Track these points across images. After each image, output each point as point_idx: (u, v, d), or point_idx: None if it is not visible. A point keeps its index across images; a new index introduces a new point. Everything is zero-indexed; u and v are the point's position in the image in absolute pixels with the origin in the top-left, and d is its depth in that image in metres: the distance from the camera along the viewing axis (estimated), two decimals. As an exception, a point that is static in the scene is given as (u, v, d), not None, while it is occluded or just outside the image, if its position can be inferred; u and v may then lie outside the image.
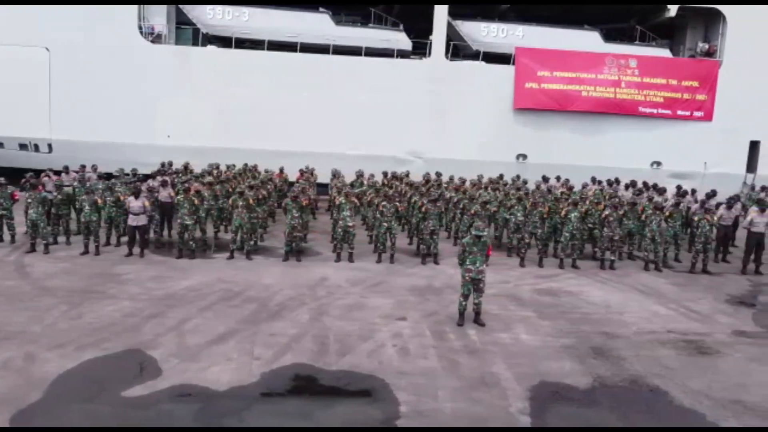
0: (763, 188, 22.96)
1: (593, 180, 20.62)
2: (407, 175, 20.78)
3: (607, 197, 16.24)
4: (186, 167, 19.70)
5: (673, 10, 24.88)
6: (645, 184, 20.07)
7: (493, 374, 7.50)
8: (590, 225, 14.54)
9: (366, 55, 24.10)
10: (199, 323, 8.85)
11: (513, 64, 24.45)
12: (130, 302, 9.65)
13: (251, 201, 13.11)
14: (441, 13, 23.81)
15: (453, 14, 24.57)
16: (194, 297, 10.12)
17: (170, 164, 20.21)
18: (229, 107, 22.98)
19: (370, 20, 25.66)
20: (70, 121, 22.59)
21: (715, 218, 13.95)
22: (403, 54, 24.89)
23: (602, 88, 24.76)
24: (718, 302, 11.31)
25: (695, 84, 24.92)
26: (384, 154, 23.62)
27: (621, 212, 14.58)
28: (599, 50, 25.04)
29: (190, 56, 23.59)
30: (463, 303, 9.30)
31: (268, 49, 23.81)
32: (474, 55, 25.01)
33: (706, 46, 25.51)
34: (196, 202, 12.91)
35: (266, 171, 19.30)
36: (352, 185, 17.34)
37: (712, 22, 25.81)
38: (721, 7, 24.44)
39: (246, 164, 20.24)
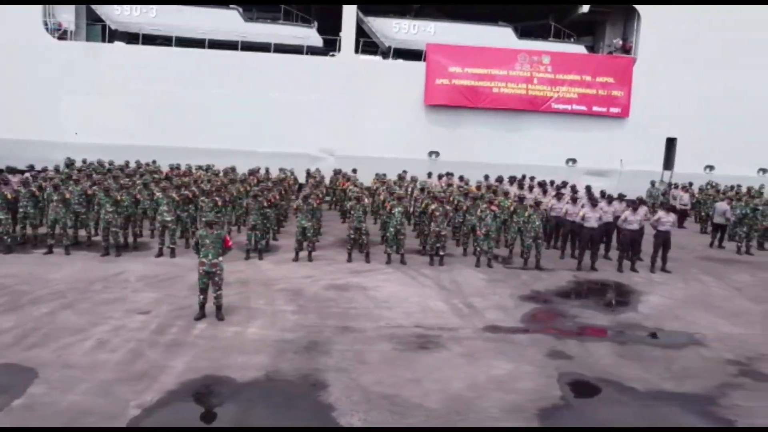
0: (671, 185, 22.75)
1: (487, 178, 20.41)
2: (310, 173, 20.65)
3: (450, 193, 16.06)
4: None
5: (585, 7, 24.66)
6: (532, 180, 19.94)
7: (163, 368, 7.33)
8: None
9: (276, 51, 24.00)
10: None
11: (425, 60, 24.26)
12: None
13: (67, 196, 13.02)
14: (350, 9, 23.67)
15: (366, 11, 24.44)
16: (-46, 291, 10.03)
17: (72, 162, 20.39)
18: (137, 104, 22.97)
19: (288, 18, 25.59)
20: (-27, 118, 22.63)
21: (544, 212, 13.74)
22: (314, 51, 24.79)
23: (514, 84, 24.54)
24: (511, 298, 11.07)
25: (610, 80, 24.63)
26: (296, 151, 23.55)
27: (464, 208, 14.47)
28: (512, 46, 24.79)
29: (96, 53, 23.57)
30: (201, 297, 9.14)
31: (177, 45, 23.75)
32: (392, 52, 24.91)
33: (620, 43, 25.28)
34: (9, 197, 12.80)
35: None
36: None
37: (630, 20, 25.55)
38: (637, 6, 24.20)
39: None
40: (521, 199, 14.59)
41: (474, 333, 9.10)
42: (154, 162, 21.11)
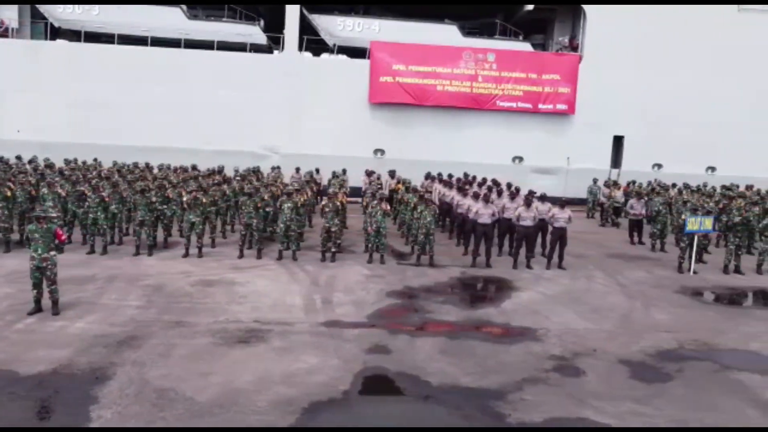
0: (615, 182, 22.55)
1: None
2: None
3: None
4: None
5: (530, 5, 24.58)
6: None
7: (-45, 361, 7.27)
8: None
9: (220, 49, 23.97)
10: None
11: (369, 58, 24.18)
12: None
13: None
14: (293, 7, 23.64)
15: (312, 9, 24.38)
16: None
17: (18, 158, 20.42)
18: (80, 102, 22.96)
19: (234, 16, 25.58)
20: None
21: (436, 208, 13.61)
22: (258, 48, 24.74)
23: (458, 82, 24.41)
24: (378, 294, 10.92)
25: (556, 77, 24.45)
26: (240, 149, 23.49)
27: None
28: (457, 44, 24.67)
29: (38, 50, 23.59)
30: (34, 292, 9.07)
31: (120, 43, 23.76)
32: (339, 50, 24.86)
33: (566, 41, 25.12)
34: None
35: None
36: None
37: (577, 18, 25.41)
38: (582, 5, 24.08)
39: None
40: (421, 196, 14.44)
41: (308, 328, 8.98)
42: (95, 160, 21.17)
